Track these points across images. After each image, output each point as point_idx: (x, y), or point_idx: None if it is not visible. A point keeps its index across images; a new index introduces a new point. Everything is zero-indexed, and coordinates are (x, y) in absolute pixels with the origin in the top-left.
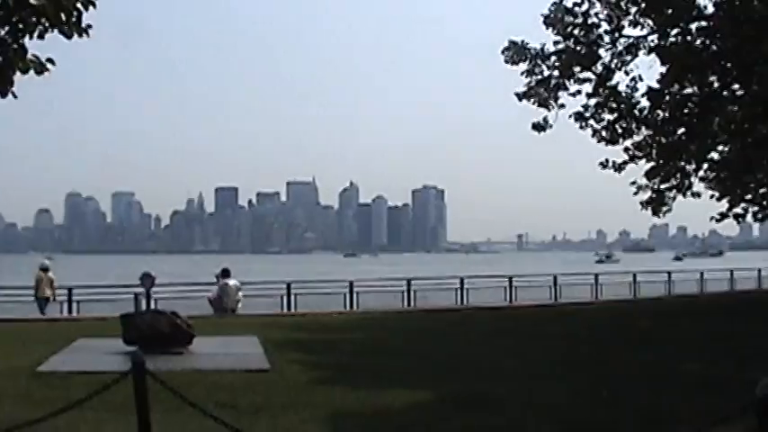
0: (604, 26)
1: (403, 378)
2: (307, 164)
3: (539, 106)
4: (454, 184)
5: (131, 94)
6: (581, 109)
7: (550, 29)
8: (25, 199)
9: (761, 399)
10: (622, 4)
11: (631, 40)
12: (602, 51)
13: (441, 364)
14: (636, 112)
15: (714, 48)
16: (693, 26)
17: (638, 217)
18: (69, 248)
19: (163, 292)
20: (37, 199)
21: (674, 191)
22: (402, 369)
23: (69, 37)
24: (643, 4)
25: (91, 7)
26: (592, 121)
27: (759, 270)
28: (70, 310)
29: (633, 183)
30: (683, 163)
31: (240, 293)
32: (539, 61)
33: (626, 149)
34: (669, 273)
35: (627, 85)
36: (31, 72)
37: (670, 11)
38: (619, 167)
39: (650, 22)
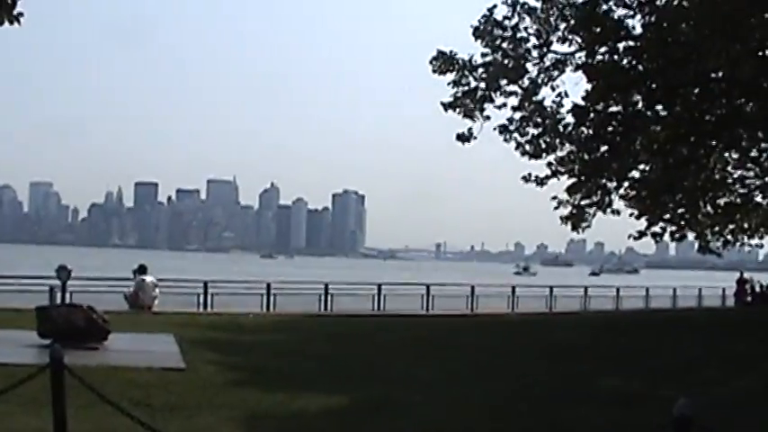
0: (533, 41)
1: (318, 382)
2: (228, 162)
3: (464, 117)
4: (375, 190)
5: (52, 84)
6: (506, 122)
7: (479, 40)
8: None
9: (677, 418)
10: (552, 20)
11: (559, 57)
12: (529, 66)
13: (356, 370)
14: (560, 127)
15: (640, 68)
16: (621, 45)
17: (555, 231)
18: None
19: (79, 286)
20: None
21: (595, 207)
22: (318, 373)
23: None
24: (572, 22)
25: None
26: (516, 135)
27: (674, 289)
28: None
29: (554, 197)
30: (604, 180)
31: (157, 290)
32: (466, 72)
33: (549, 164)
34: (586, 288)
35: (552, 101)
36: None
37: (598, 29)
38: (541, 182)
39: (578, 40)
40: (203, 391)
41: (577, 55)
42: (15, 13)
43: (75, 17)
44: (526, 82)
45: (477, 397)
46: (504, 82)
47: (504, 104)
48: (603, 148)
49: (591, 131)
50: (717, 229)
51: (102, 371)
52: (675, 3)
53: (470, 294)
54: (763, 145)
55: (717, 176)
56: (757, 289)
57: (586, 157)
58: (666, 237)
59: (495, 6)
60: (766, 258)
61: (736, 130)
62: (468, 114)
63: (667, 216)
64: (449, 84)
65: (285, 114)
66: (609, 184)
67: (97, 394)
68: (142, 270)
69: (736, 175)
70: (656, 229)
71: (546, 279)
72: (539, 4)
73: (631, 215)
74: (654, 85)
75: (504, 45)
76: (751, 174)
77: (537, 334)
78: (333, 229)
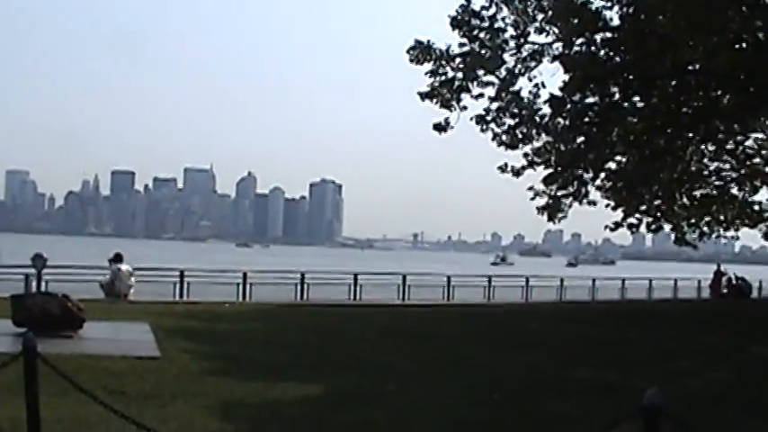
0: (510, 31)
1: (293, 371)
2: (205, 151)
3: (441, 107)
4: (353, 180)
5: (30, 71)
6: (483, 112)
7: (457, 30)
8: None
9: (647, 407)
10: (529, 10)
11: (536, 47)
12: (506, 56)
13: (331, 359)
14: (537, 118)
15: (618, 59)
16: (598, 37)
17: (532, 222)
18: None
19: (54, 274)
20: None
21: (571, 198)
22: (293, 362)
23: None
24: (550, 13)
25: None
26: (493, 125)
27: (650, 280)
28: None
29: (531, 188)
30: (580, 171)
31: (133, 279)
32: (443, 62)
33: (525, 155)
34: (562, 279)
35: (530, 92)
36: None
37: (576, 20)
38: (517, 172)
39: (556, 31)
40: (178, 380)
41: (555, 46)
42: None
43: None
44: (503, 72)
45: (452, 387)
46: (481, 72)
47: (481, 95)
48: (580, 139)
49: (567, 122)
50: (693, 220)
51: (76, 359)
52: None
53: (447, 285)
54: (738, 137)
55: (693, 168)
56: (733, 281)
57: (563, 147)
58: (643, 228)
59: None
60: (743, 250)
61: (712, 123)
62: (445, 104)
63: (643, 207)
64: (426, 73)
65: (262, 103)
66: (585, 175)
67: (71, 382)
68: (118, 258)
69: (712, 167)
70: (633, 220)
71: (523, 269)
72: None
73: (608, 206)
74: (631, 77)
75: (482, 35)
76: (727, 166)
77: (512, 324)
78: (310, 219)
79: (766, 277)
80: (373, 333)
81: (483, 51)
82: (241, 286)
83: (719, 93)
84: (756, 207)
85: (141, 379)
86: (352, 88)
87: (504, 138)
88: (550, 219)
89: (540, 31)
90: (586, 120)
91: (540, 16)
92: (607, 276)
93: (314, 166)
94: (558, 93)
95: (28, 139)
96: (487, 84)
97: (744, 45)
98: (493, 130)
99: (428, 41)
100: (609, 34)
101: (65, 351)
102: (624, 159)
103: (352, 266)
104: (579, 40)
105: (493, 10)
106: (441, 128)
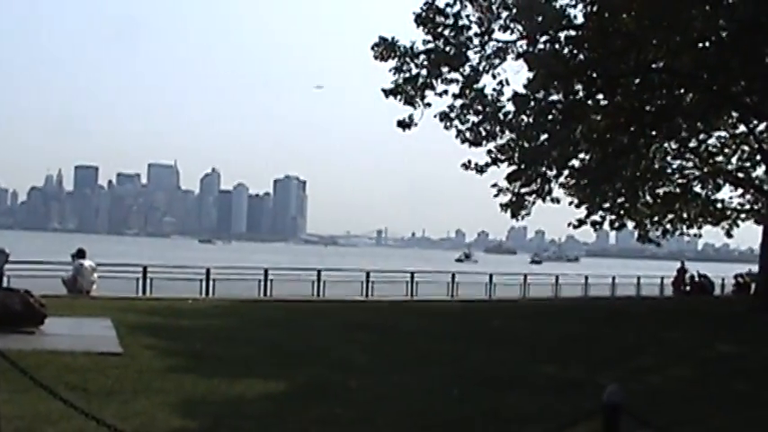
0: (475, 29)
1: (256, 368)
2: (169, 147)
3: (405, 104)
4: (317, 176)
5: None
6: (446, 109)
7: (421, 27)
8: None
9: (607, 404)
10: (494, 8)
11: (500, 45)
12: (470, 53)
13: (294, 356)
14: (501, 115)
15: (582, 57)
16: (562, 35)
17: (496, 218)
18: None
19: (16, 270)
20: None
21: (535, 195)
22: (255, 359)
23: None
24: (514, 10)
25: None
26: (456, 122)
27: (613, 278)
28: None
29: (494, 185)
30: (544, 168)
31: (95, 275)
32: (407, 59)
33: (489, 152)
34: (525, 275)
35: (493, 89)
36: None
37: (540, 18)
38: (481, 169)
39: (520, 28)
40: (140, 376)
41: (519, 43)
42: None
43: None
44: (467, 69)
45: (413, 382)
46: (445, 69)
47: (445, 92)
48: (543, 137)
49: (531, 120)
50: (656, 218)
51: (37, 355)
52: None
53: (410, 281)
54: (701, 136)
55: (656, 166)
56: (696, 278)
57: (526, 144)
58: (606, 225)
59: None
60: (706, 248)
61: (675, 121)
62: (409, 101)
63: (607, 205)
64: (390, 70)
65: (227, 100)
66: (549, 173)
67: (32, 379)
68: (80, 254)
69: (675, 166)
70: (596, 217)
71: (487, 266)
72: None
73: (571, 203)
74: (594, 75)
75: (446, 32)
76: (690, 164)
77: (475, 321)
78: (274, 215)
79: (728, 274)
80: (336, 329)
81: (447, 48)
82: (204, 282)
83: (683, 91)
84: (719, 205)
85: (103, 375)
86: (315, 85)
87: (467, 135)
88: (514, 216)
89: (504, 28)
90: (550, 117)
91: (504, 14)
92: (570, 273)
93: (278, 163)
94: (522, 90)
95: None
96: (451, 81)
97: (707, 44)
98: (457, 127)
99: (392, 38)
100: (573, 32)
101: (26, 347)
102: (587, 157)
103: (316, 263)
104: (543, 38)
105: (457, 7)
106: (405, 125)
